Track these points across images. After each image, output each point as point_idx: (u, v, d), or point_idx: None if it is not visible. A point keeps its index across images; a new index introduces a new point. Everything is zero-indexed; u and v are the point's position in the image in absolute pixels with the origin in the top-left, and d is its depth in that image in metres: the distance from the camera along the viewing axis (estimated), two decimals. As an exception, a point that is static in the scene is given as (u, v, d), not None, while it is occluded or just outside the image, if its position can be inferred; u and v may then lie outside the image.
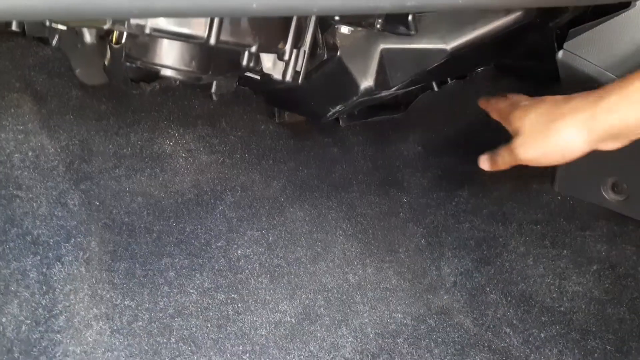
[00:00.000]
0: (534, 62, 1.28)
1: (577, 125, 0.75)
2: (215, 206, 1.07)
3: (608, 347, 1.07)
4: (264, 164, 1.16)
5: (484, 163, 0.94)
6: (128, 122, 1.04)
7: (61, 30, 0.79)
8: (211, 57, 0.78)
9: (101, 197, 0.96)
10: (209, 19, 0.66)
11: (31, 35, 0.88)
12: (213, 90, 0.99)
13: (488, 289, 1.17)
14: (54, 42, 0.87)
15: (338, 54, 0.96)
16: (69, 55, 0.99)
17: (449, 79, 1.22)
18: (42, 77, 0.97)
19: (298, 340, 1.01)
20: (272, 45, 0.75)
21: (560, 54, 0.97)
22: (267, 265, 1.06)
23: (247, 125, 1.19)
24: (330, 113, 1.06)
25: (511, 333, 1.11)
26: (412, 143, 1.38)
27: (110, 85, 1.04)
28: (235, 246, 1.05)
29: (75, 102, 0.99)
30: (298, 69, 0.83)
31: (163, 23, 0.65)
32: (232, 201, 1.08)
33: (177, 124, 1.09)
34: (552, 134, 0.77)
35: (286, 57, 0.78)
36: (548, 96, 0.84)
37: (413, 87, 1.14)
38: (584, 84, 0.94)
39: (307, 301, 1.06)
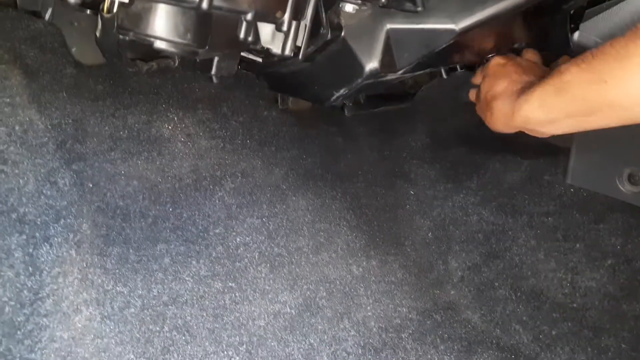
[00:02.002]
0: (546, 52, 1.24)
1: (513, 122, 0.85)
2: (214, 192, 1.03)
3: (623, 345, 1.03)
4: (266, 151, 1.13)
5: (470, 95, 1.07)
6: (125, 104, 1.01)
7: (53, 2, 0.76)
8: (207, 30, 0.75)
9: (95, 179, 0.93)
10: (201, -18, 0.63)
11: (23, 8, 0.84)
12: (213, 72, 0.95)
13: (497, 284, 1.13)
14: (47, 16, 0.84)
15: (342, 34, 0.93)
16: (65, 33, 0.95)
17: (458, 67, 1.18)
18: (33, 51, 0.93)
19: (298, 332, 0.98)
20: (270, 14, 0.72)
21: (576, 35, 0.94)
22: (267, 254, 1.03)
23: (249, 111, 1.15)
24: (334, 97, 1.02)
25: (521, 330, 1.07)
26: (420, 134, 1.35)
27: (108, 65, 1.01)
28: (234, 234, 1.02)
29: (70, 80, 0.96)
30: (298, 43, 0.79)
31: (153, -16, 0.62)
32: (232, 187, 1.05)
33: (177, 108, 1.06)
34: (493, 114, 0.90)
35: (284, 27, 0.74)
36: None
37: (420, 72, 1.10)
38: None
39: (308, 292, 1.02)
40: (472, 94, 1.06)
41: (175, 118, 1.05)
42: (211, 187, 1.04)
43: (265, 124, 1.16)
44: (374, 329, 1.03)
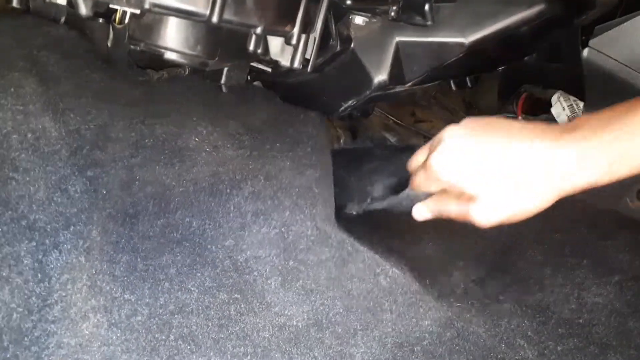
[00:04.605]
0: (557, 64, 1.23)
1: (555, 182, 0.63)
2: (230, 198, 0.96)
3: (629, 362, 1.02)
4: (299, 151, 1.03)
5: (419, 212, 0.79)
6: (157, 112, 0.97)
7: (66, 9, 0.77)
8: (217, 41, 0.76)
9: (109, 185, 0.91)
10: (212, -4, 0.63)
11: (37, 14, 0.85)
12: (223, 81, 0.96)
13: (502, 298, 1.12)
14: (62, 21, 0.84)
15: (352, 45, 0.94)
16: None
17: (467, 79, 1.18)
18: (54, 57, 0.90)
19: (302, 345, 0.97)
20: (279, 28, 0.73)
21: (585, 52, 0.93)
22: (279, 267, 0.99)
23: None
24: (343, 108, 1.03)
25: (525, 345, 1.06)
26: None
27: (144, 72, 0.98)
28: (245, 246, 0.99)
29: (97, 85, 0.93)
30: (307, 56, 0.80)
31: (164, -2, 0.63)
32: (251, 191, 0.98)
33: (208, 120, 1.01)
34: (524, 196, 0.65)
35: (294, 41, 0.75)
36: (473, 126, 0.72)
37: (429, 84, 1.10)
38: (610, 85, 0.90)
39: (321, 307, 1.00)
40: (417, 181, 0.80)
41: (204, 131, 1.00)
42: (228, 190, 0.97)
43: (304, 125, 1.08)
44: (388, 345, 1.01)
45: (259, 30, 0.69)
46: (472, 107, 1.42)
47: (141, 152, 0.93)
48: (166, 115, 0.97)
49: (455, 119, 1.39)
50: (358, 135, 1.26)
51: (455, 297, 1.14)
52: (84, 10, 0.63)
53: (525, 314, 1.09)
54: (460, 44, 0.91)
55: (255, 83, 1.08)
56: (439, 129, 1.38)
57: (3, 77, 0.84)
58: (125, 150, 0.93)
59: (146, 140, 0.94)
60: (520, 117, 1.21)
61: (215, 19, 0.64)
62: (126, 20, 0.72)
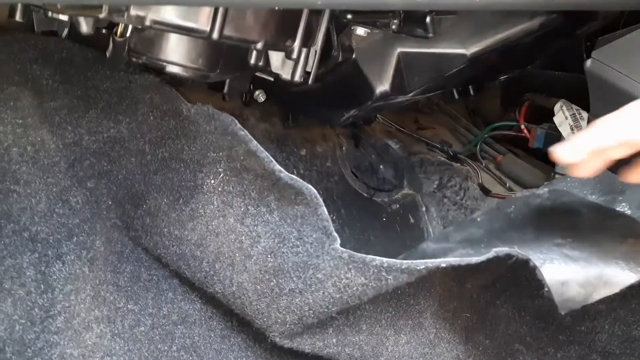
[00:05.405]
0: (561, 73, 1.23)
1: None
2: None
3: (632, 371, 1.01)
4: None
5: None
6: (187, 132, 0.88)
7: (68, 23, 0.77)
8: (219, 55, 0.76)
9: (117, 197, 0.91)
10: (212, 12, 0.64)
11: (40, 29, 0.85)
12: (225, 90, 0.96)
13: (499, 302, 1.11)
14: (63, 35, 0.84)
15: (353, 56, 0.94)
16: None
17: (470, 88, 1.18)
18: (48, 70, 0.89)
19: (303, 357, 0.97)
20: (280, 43, 0.73)
21: (588, 63, 0.93)
22: None
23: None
24: (344, 118, 1.03)
25: (524, 350, 1.05)
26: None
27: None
28: None
29: (112, 95, 0.89)
30: (308, 69, 0.80)
31: (165, 15, 0.63)
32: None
33: (228, 158, 0.87)
34: None
35: (294, 55, 0.75)
36: None
37: (431, 94, 1.10)
38: (613, 96, 0.89)
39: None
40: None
41: (222, 174, 0.86)
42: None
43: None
44: None
45: (259, 45, 0.70)
46: (476, 114, 1.42)
47: (164, 173, 0.87)
48: (195, 137, 0.87)
49: (458, 126, 1.40)
50: (360, 143, 1.26)
51: (461, 306, 1.13)
52: (85, 28, 0.64)
53: (524, 319, 1.08)
54: (462, 55, 0.91)
55: (258, 92, 1.08)
56: (442, 136, 1.41)
57: (2, 90, 0.85)
58: (150, 165, 0.89)
59: (174, 162, 0.88)
60: (522, 125, 1.21)
61: (215, 35, 0.65)
62: (128, 34, 0.72)
